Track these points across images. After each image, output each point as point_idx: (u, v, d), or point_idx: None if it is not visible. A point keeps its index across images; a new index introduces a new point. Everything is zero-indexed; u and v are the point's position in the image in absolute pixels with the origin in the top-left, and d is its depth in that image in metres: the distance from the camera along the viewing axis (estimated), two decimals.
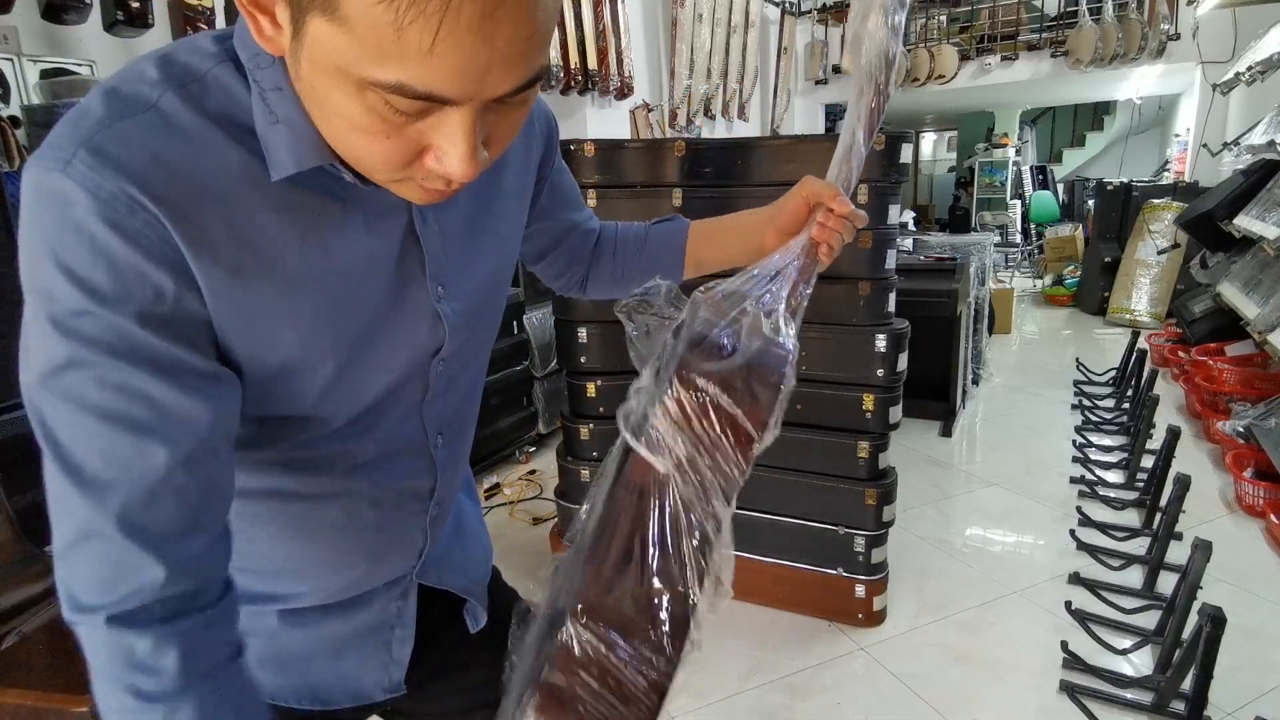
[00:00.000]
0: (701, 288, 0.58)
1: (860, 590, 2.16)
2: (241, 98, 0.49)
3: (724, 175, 2.15)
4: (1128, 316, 5.99)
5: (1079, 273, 7.03)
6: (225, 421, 0.51)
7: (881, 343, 2.06)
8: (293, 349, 0.53)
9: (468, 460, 0.80)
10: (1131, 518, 2.82)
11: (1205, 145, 6.15)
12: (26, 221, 0.45)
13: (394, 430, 0.64)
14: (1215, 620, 1.54)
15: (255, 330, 0.52)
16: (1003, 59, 6.66)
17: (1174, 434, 2.70)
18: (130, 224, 0.45)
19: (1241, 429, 3.19)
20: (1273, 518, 2.63)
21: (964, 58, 6.73)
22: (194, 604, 0.50)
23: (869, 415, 2.09)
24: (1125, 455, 3.30)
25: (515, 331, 3.43)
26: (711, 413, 0.51)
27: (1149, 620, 2.13)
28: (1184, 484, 2.26)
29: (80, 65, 2.39)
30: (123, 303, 0.46)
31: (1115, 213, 6.52)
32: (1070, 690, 1.87)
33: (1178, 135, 7.50)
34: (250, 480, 0.61)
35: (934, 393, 3.87)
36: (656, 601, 0.51)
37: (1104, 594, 2.30)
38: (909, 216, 7.45)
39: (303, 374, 0.55)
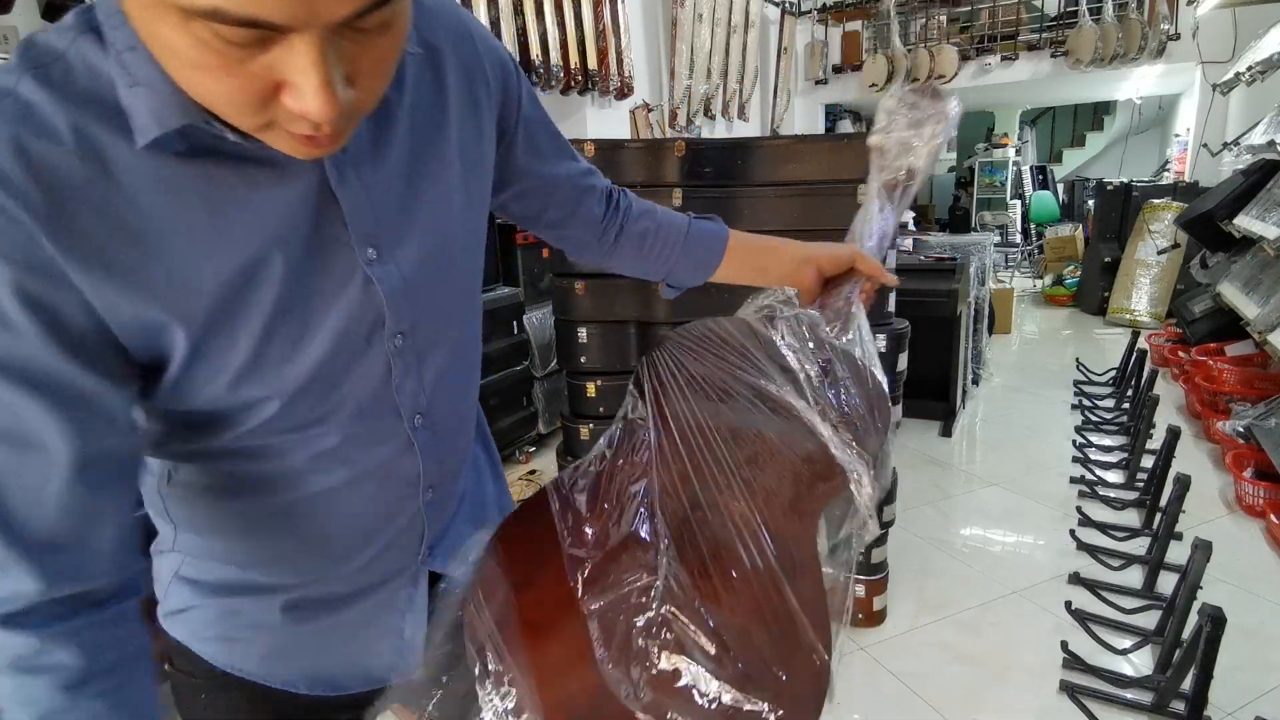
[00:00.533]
0: (818, 313, 0.74)
1: (860, 590, 2.16)
2: (103, 69, 0.45)
3: (724, 175, 2.15)
4: (1128, 316, 5.99)
5: (1079, 273, 7.03)
6: (107, 434, 0.49)
7: (881, 343, 2.06)
8: (199, 330, 0.50)
9: (470, 442, 0.76)
10: (1131, 518, 2.82)
11: (1205, 145, 6.14)
12: None
13: (360, 413, 0.60)
14: (1215, 620, 1.54)
15: (153, 316, 0.48)
16: (1003, 59, 6.66)
17: (1174, 434, 2.70)
18: None
19: (1241, 429, 3.19)
20: (1273, 518, 2.63)
21: (964, 58, 6.72)
22: (85, 605, 0.50)
23: None
24: (1125, 455, 3.30)
25: (515, 331, 3.43)
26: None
27: (1149, 620, 2.13)
28: (1184, 484, 2.26)
29: None
30: None
31: (1115, 213, 6.52)
32: (1070, 690, 1.87)
33: (1178, 135, 7.50)
34: (211, 475, 0.60)
35: (934, 393, 3.87)
36: None
37: (1104, 594, 2.30)
38: (909, 216, 7.44)
39: (215, 355, 0.52)
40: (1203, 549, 1.81)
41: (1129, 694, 1.86)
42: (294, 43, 0.39)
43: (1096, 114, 11.30)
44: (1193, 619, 1.63)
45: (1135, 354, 4.04)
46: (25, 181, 0.43)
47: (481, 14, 3.51)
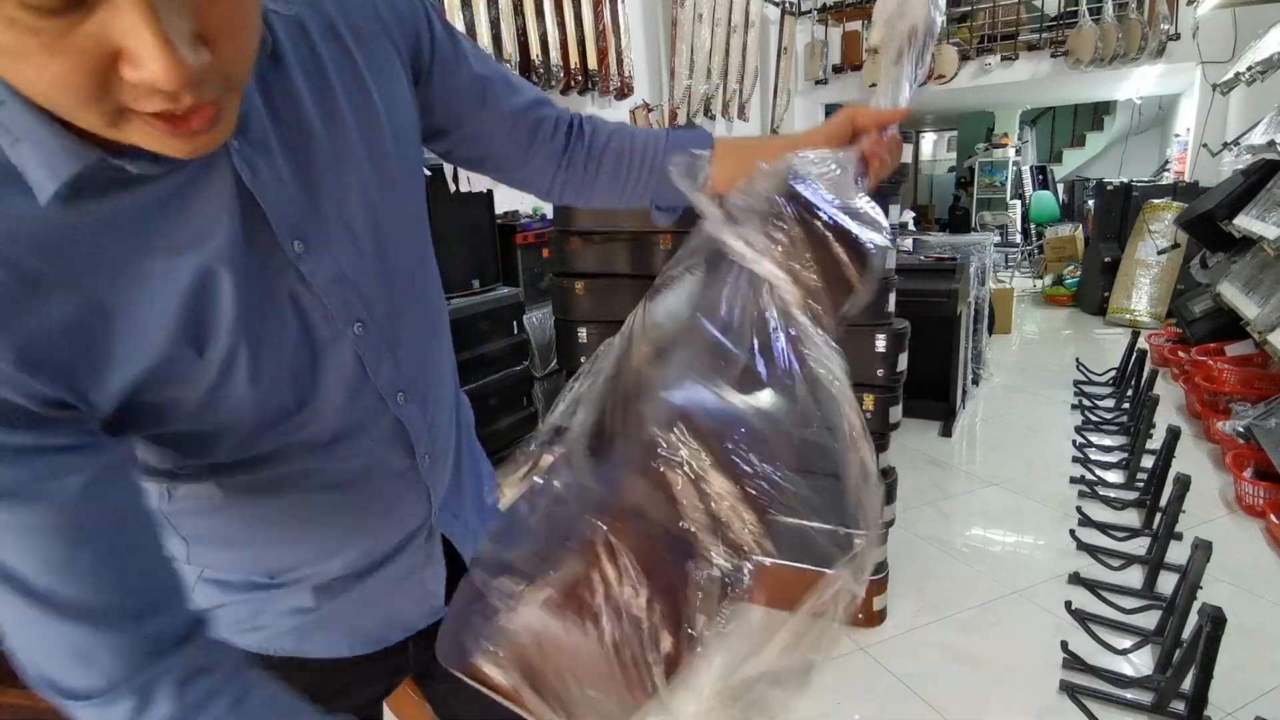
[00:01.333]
0: (799, 158, 0.60)
1: (860, 590, 2.16)
2: None
3: None
4: (1128, 316, 5.99)
5: (1079, 273, 7.03)
6: (100, 490, 0.45)
7: (881, 343, 2.06)
8: (155, 372, 0.48)
9: (449, 389, 0.75)
10: (1131, 518, 2.82)
11: (1205, 145, 6.14)
12: None
13: (343, 405, 0.60)
14: (1215, 620, 1.54)
15: (115, 369, 0.46)
16: (1003, 59, 6.66)
17: (1174, 434, 2.70)
18: None
19: (1241, 429, 3.19)
20: (1273, 518, 2.63)
21: (964, 58, 6.72)
22: (159, 654, 0.47)
23: (869, 415, 2.09)
24: (1125, 455, 3.30)
25: (515, 331, 3.43)
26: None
27: (1149, 620, 2.13)
28: (1184, 484, 2.26)
29: None
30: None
31: (1115, 213, 6.52)
32: (1070, 690, 1.87)
33: (1178, 135, 7.50)
34: (209, 489, 0.59)
35: (934, 393, 3.87)
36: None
37: (1104, 594, 2.30)
38: (909, 216, 7.44)
39: (177, 386, 0.49)
40: (1203, 549, 1.81)
41: (1129, 694, 1.86)
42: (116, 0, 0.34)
43: (1096, 114, 11.29)
44: (1193, 619, 1.63)
45: (1135, 354, 4.04)
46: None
47: (481, 14, 3.51)
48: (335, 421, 0.60)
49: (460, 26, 3.40)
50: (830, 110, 7.88)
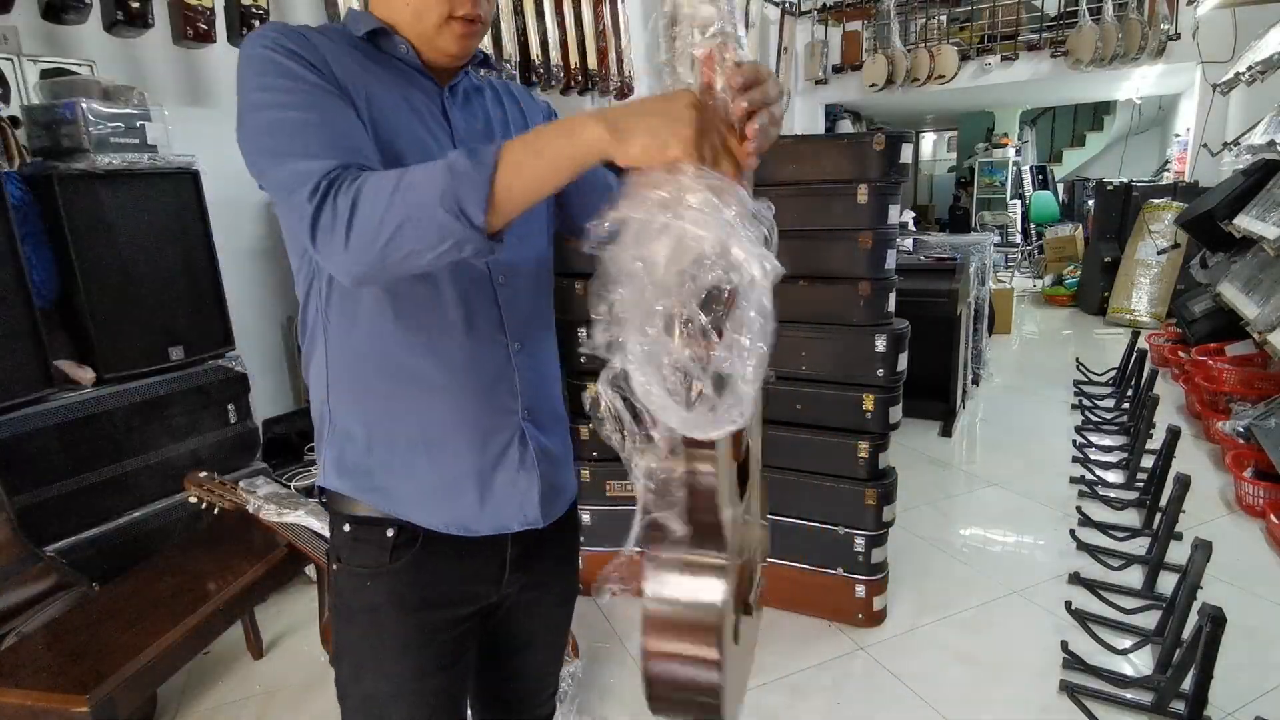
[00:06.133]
0: None
1: (860, 590, 2.16)
2: (336, 27, 0.86)
3: None
4: (1128, 316, 6.00)
5: (1079, 273, 7.04)
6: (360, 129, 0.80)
7: (881, 343, 2.06)
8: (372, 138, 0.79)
9: (548, 318, 0.95)
10: (1131, 518, 2.82)
11: (1205, 145, 6.15)
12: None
13: (462, 270, 0.82)
14: (1215, 620, 1.54)
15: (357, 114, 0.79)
16: (1003, 59, 6.66)
17: (1174, 434, 2.70)
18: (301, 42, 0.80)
19: (1241, 429, 3.19)
20: (1273, 518, 2.63)
21: (964, 58, 6.73)
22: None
23: (869, 415, 2.09)
24: (1125, 455, 3.30)
25: None
26: None
27: (1149, 620, 2.13)
28: (1184, 484, 2.27)
29: (80, 65, 2.39)
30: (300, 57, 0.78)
31: (1115, 213, 6.52)
32: (1070, 690, 1.87)
33: (1178, 135, 7.50)
34: (352, 310, 0.83)
35: (934, 393, 3.87)
36: None
37: (1104, 594, 2.30)
38: (909, 216, 7.44)
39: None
40: (1203, 549, 1.81)
41: (1129, 694, 1.86)
42: None
43: (1096, 114, 11.30)
44: (1193, 619, 1.63)
45: (1135, 354, 4.04)
46: (320, 43, 0.80)
47: None
48: (453, 278, 0.82)
49: None
50: (830, 110, 7.90)
